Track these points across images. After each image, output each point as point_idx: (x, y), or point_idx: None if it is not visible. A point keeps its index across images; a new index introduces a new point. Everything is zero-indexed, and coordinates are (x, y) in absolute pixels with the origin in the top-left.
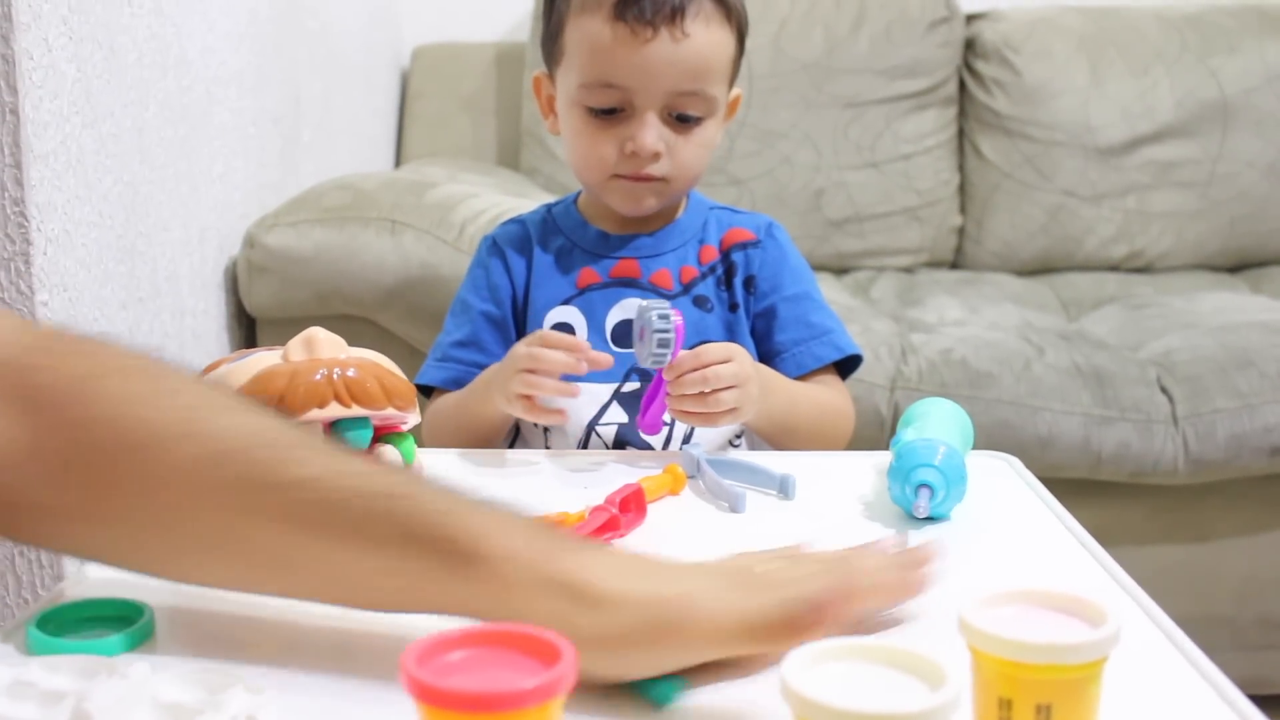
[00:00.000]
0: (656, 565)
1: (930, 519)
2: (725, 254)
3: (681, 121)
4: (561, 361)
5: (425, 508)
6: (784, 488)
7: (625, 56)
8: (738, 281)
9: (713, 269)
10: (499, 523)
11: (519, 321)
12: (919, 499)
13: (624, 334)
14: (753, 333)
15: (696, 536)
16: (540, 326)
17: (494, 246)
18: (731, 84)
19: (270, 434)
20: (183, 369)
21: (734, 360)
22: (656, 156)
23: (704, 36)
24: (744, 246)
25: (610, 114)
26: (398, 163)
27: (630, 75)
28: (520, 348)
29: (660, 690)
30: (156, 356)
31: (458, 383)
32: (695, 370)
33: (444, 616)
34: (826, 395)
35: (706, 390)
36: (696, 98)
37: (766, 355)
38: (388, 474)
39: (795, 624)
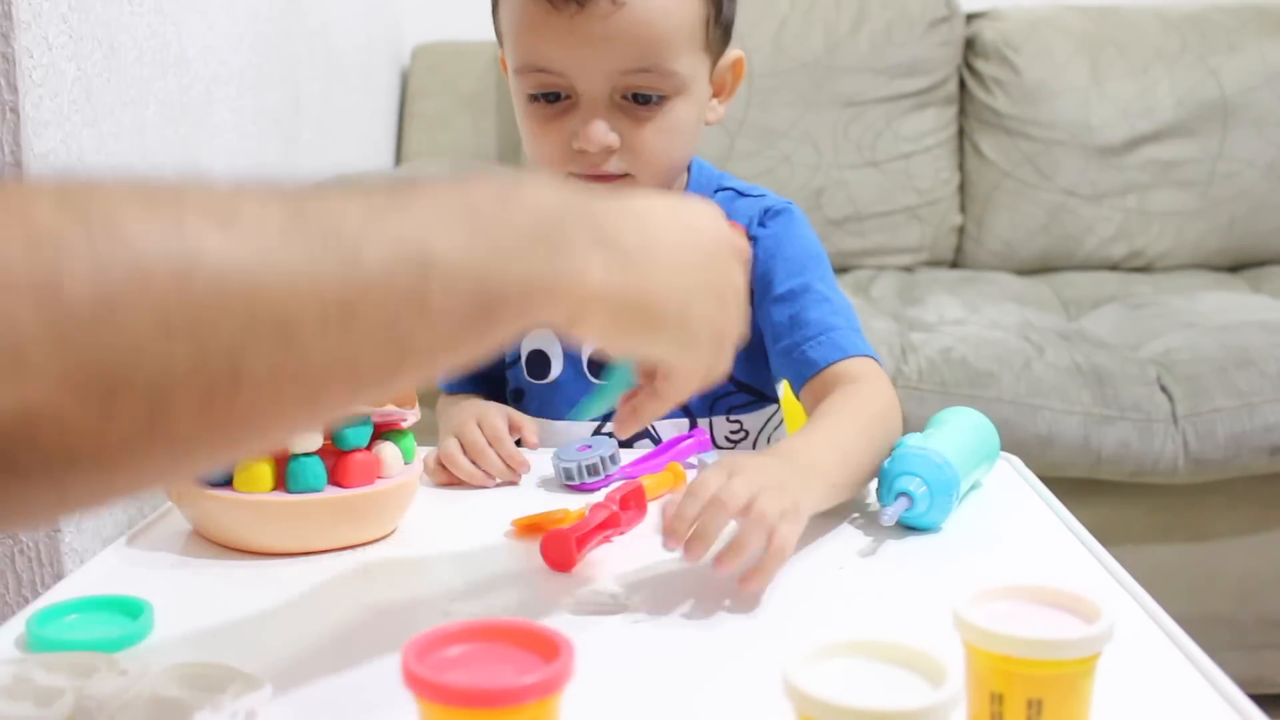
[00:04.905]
0: None
1: (913, 528)
2: None
3: (640, 103)
4: (469, 473)
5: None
6: None
7: (552, 37)
8: None
9: None
10: None
11: None
12: (891, 506)
13: (602, 364)
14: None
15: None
16: (518, 355)
17: None
18: (713, 47)
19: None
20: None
21: (736, 475)
22: (609, 152)
23: (647, 1)
24: None
25: (554, 101)
26: (398, 162)
27: (562, 59)
28: (463, 422)
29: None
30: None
31: (446, 383)
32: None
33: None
34: (866, 410)
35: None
36: (651, 74)
37: (768, 375)
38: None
39: None
